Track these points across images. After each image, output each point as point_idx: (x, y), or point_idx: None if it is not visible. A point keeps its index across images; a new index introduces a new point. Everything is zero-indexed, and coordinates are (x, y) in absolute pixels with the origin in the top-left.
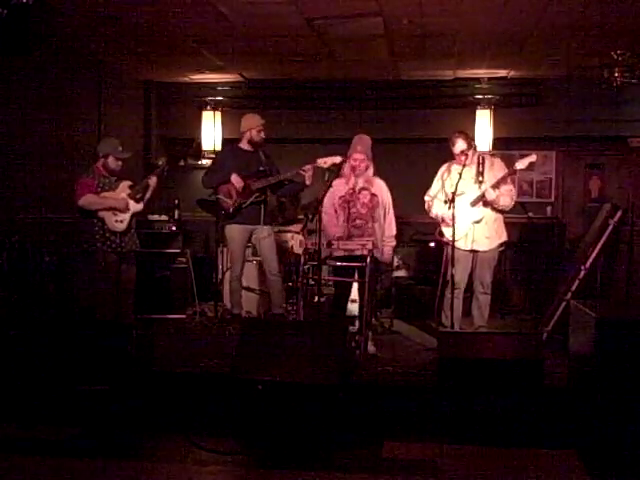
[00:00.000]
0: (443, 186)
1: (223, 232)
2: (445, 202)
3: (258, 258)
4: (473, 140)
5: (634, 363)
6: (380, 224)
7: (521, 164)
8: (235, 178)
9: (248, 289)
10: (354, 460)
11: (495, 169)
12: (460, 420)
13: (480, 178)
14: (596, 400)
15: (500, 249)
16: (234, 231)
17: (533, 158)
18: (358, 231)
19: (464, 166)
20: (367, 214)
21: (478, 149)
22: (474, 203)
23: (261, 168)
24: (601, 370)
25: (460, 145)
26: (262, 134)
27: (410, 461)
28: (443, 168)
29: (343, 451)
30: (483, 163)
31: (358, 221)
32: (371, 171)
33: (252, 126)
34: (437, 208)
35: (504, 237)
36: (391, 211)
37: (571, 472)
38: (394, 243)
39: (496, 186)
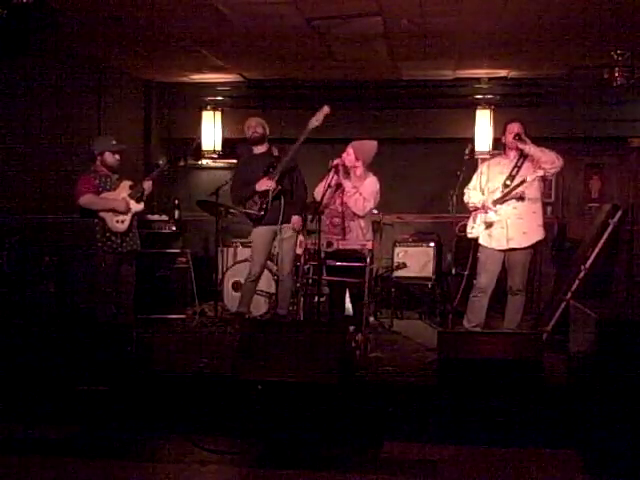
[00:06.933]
0: (480, 182)
1: (222, 232)
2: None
3: None
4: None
5: (634, 363)
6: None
7: None
8: (259, 186)
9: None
10: (354, 460)
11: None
12: (460, 420)
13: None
14: (596, 400)
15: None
16: (260, 233)
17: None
18: (335, 229)
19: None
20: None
21: (478, 149)
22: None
23: (270, 168)
24: (601, 370)
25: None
26: (250, 131)
27: (410, 461)
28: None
29: (343, 451)
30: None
31: (335, 219)
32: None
33: (245, 128)
34: (474, 197)
35: (540, 235)
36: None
37: (571, 472)
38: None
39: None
